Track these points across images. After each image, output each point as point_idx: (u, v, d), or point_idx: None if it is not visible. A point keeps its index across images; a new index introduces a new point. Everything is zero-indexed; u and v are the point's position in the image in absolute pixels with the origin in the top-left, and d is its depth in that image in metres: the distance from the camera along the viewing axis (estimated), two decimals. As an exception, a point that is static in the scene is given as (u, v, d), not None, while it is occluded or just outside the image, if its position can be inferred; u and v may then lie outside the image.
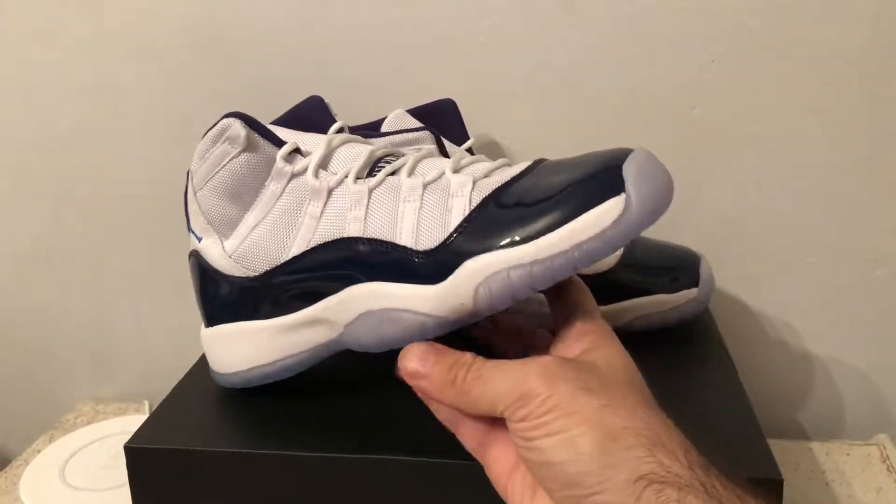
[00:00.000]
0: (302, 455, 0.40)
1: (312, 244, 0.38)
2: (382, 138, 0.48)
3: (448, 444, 0.35)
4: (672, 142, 0.61)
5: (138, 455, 0.41)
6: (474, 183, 0.35)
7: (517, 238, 0.32)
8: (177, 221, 0.66)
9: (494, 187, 0.35)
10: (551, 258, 0.31)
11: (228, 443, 0.42)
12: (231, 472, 0.41)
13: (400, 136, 0.49)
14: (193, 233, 0.42)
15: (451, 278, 0.33)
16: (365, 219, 0.36)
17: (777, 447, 0.61)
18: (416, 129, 0.49)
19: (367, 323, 0.36)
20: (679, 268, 0.52)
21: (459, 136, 0.54)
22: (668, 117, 0.61)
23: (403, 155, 0.39)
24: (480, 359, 0.32)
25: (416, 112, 0.53)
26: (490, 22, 0.60)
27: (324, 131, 0.42)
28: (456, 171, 0.36)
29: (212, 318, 0.43)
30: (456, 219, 0.34)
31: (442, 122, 0.53)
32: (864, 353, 0.65)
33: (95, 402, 0.72)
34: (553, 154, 0.62)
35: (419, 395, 0.35)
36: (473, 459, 0.35)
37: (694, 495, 0.26)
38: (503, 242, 0.32)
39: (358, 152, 0.39)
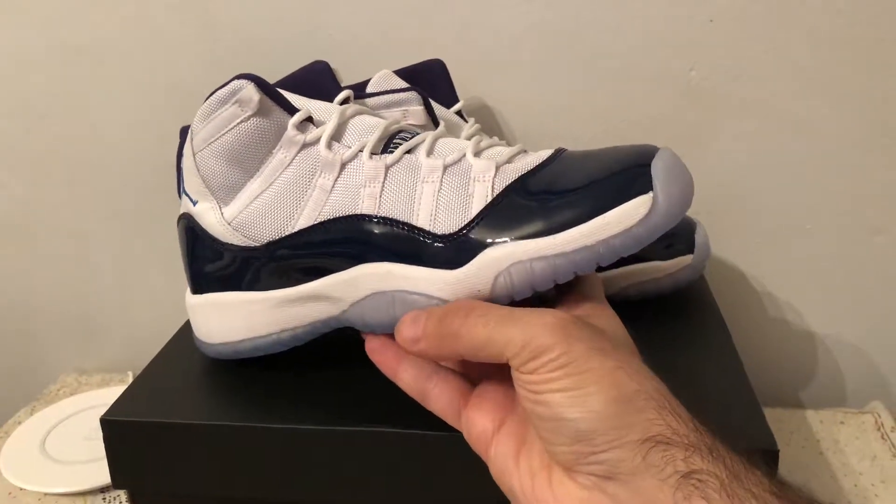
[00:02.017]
0: (280, 427, 0.39)
1: (321, 218, 0.37)
2: (390, 110, 0.47)
3: (425, 415, 0.35)
4: (668, 104, 0.60)
5: (115, 428, 0.41)
6: (497, 168, 0.35)
7: (541, 229, 0.32)
8: (162, 190, 0.66)
9: (518, 175, 0.34)
10: (575, 252, 0.31)
11: (206, 415, 0.41)
12: (209, 445, 0.41)
13: (386, 97, 0.47)
14: (188, 195, 0.40)
15: (470, 265, 0.33)
16: (380, 196, 0.35)
17: (772, 416, 0.61)
18: (403, 90, 0.47)
19: (376, 303, 0.35)
20: (674, 234, 0.51)
21: (448, 97, 0.52)
22: (666, 79, 0.59)
23: (417, 132, 0.38)
24: (482, 303, 0.32)
25: (403, 73, 0.51)
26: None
27: (328, 98, 0.40)
28: (476, 154, 0.36)
29: (202, 286, 0.41)
30: (478, 204, 0.34)
31: (430, 83, 0.51)
32: (860, 321, 0.65)
33: (79, 374, 0.71)
34: (548, 116, 0.61)
35: (386, 369, 0.36)
36: (451, 429, 0.35)
37: (700, 456, 0.26)
38: (527, 232, 0.32)
39: (372, 125, 0.38)
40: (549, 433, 0.29)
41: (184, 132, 0.40)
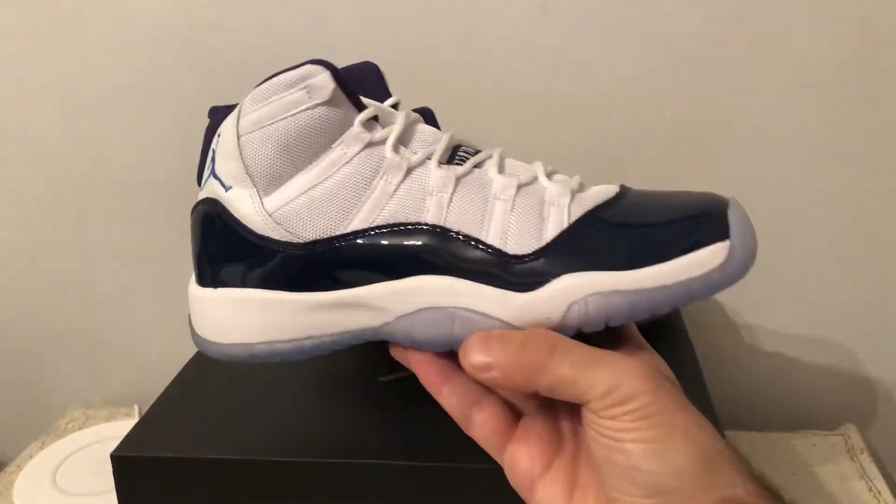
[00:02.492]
0: (290, 461, 0.39)
1: (379, 222, 0.34)
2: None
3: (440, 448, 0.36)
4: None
5: (124, 464, 0.41)
6: (573, 195, 0.34)
7: (620, 262, 0.31)
8: (167, 223, 0.66)
9: (594, 204, 0.33)
10: (653, 290, 0.31)
11: (215, 450, 0.41)
12: (218, 480, 0.41)
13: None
14: (219, 179, 0.36)
15: (542, 289, 0.31)
16: (447, 207, 0.34)
17: (745, 439, 0.63)
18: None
19: (431, 318, 0.33)
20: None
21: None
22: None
23: (478, 149, 0.37)
24: (564, 337, 0.30)
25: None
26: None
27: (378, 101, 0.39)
28: (548, 176, 0.35)
29: (218, 278, 0.37)
30: (553, 229, 0.32)
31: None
32: (831, 344, 0.66)
33: (86, 407, 0.72)
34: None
35: (429, 383, 0.34)
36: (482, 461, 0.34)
37: None
38: (605, 264, 0.31)
39: (435, 134, 0.36)
40: (622, 482, 0.28)
41: (215, 112, 0.37)
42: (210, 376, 0.50)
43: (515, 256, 0.32)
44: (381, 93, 0.39)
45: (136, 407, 0.71)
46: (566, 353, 0.29)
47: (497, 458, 0.33)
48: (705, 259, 0.31)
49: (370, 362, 0.49)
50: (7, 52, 0.65)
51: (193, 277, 0.38)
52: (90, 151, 0.67)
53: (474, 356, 0.30)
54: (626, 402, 0.27)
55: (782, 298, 0.65)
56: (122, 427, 0.59)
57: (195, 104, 0.58)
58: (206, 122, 0.38)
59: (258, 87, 0.34)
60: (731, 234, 0.31)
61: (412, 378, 0.35)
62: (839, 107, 0.60)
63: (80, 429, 0.68)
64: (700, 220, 0.32)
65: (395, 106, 0.38)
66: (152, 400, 0.47)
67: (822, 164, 0.62)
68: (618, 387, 0.28)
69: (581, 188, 0.35)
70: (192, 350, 0.49)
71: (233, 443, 0.42)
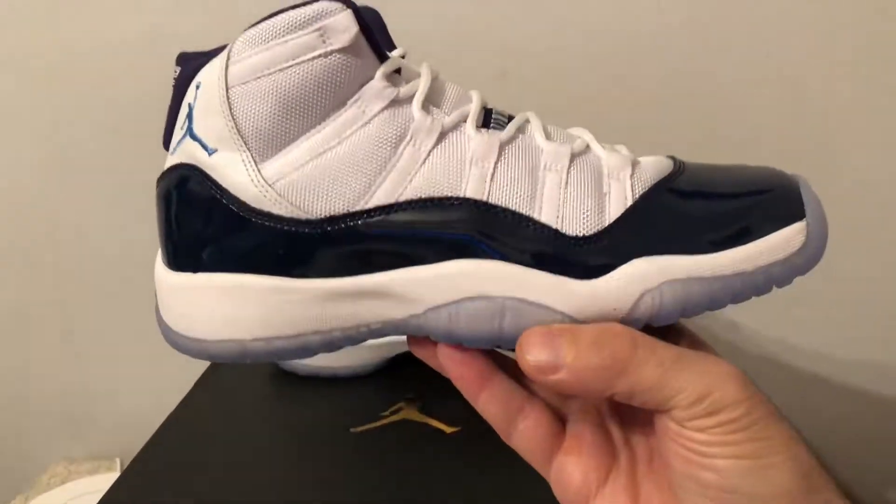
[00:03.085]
0: None
1: (408, 195, 0.28)
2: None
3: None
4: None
5: None
6: (633, 167, 0.29)
7: (697, 244, 0.27)
8: (144, 281, 0.69)
9: (657, 179, 0.29)
10: (734, 276, 0.27)
11: (201, 502, 0.41)
12: None
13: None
14: (198, 140, 0.29)
15: (610, 276, 0.27)
16: (490, 179, 0.28)
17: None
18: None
19: (476, 310, 0.27)
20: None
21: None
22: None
23: (510, 114, 0.31)
24: (643, 334, 0.26)
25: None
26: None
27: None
28: (601, 146, 0.30)
29: (199, 261, 0.30)
30: (616, 207, 0.28)
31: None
32: (791, 360, 0.67)
33: (68, 462, 0.72)
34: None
35: (466, 387, 0.29)
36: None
37: None
38: (679, 246, 0.27)
39: (461, 92, 0.31)
40: (709, 502, 0.25)
41: (186, 59, 0.30)
42: (190, 430, 0.50)
43: (574, 238, 0.27)
44: (386, 43, 0.32)
45: (117, 461, 0.72)
46: (650, 352, 0.25)
47: (541, 471, 0.29)
48: (786, 241, 0.27)
49: (344, 412, 0.51)
50: None
51: (159, 258, 0.31)
52: (70, 213, 0.68)
53: (536, 353, 0.26)
54: (719, 411, 0.24)
55: (735, 344, 0.67)
56: (103, 481, 0.61)
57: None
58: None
59: (254, 28, 0.27)
60: (806, 214, 0.28)
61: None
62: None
63: (62, 483, 0.69)
64: (775, 197, 0.28)
65: (402, 58, 0.31)
66: (134, 453, 0.47)
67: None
68: (710, 393, 0.24)
69: (638, 160, 0.30)
70: (172, 404, 0.50)
71: (214, 496, 0.43)
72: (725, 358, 0.26)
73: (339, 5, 0.27)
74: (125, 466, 0.49)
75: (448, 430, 0.47)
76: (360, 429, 0.48)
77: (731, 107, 0.61)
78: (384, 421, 0.49)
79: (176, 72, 0.30)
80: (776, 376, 0.69)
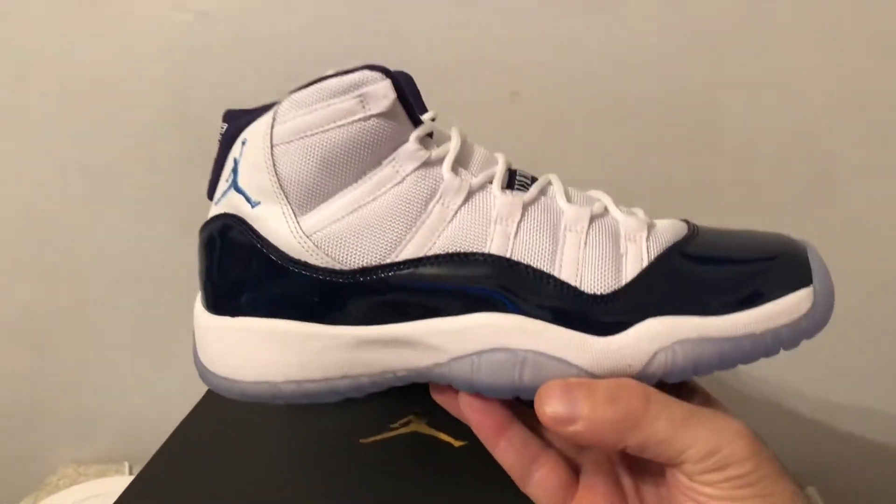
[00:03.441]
0: None
1: (436, 250, 0.30)
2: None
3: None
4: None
5: None
6: (649, 229, 0.31)
7: (709, 306, 0.28)
8: (156, 288, 0.68)
9: (671, 242, 0.30)
10: (743, 338, 0.28)
11: None
12: None
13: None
14: (243, 193, 0.32)
15: (626, 334, 0.28)
16: (514, 237, 0.30)
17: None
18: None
19: (496, 361, 0.29)
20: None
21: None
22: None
23: (533, 176, 0.33)
24: (656, 390, 0.27)
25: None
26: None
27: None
28: (618, 209, 0.32)
29: (238, 306, 0.32)
30: (633, 267, 0.29)
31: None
32: (793, 405, 0.66)
33: (77, 465, 0.72)
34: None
35: (485, 434, 0.30)
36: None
37: None
38: (692, 307, 0.28)
39: (488, 156, 0.33)
40: None
41: (233, 116, 0.33)
42: (200, 439, 0.50)
43: (593, 296, 0.29)
44: (419, 107, 0.34)
45: (126, 464, 0.73)
46: (662, 407, 0.26)
47: None
48: (795, 305, 0.29)
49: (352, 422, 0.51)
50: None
51: (199, 302, 0.33)
52: (86, 225, 0.68)
53: (554, 405, 0.27)
54: (727, 466, 0.25)
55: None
56: (112, 483, 0.61)
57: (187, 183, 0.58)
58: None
59: (299, 92, 0.29)
60: (813, 280, 0.29)
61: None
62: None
63: (71, 485, 0.69)
64: (784, 264, 0.30)
65: (432, 120, 0.33)
66: (142, 458, 0.47)
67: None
68: (719, 449, 0.25)
69: (654, 223, 0.31)
70: (180, 409, 0.49)
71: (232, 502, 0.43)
72: (732, 410, 0.28)
73: (379, 75, 0.29)
74: (134, 470, 0.49)
75: (456, 443, 0.48)
76: (369, 440, 0.49)
77: (740, 128, 0.61)
78: (393, 433, 0.49)
79: (223, 128, 0.32)
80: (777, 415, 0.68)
